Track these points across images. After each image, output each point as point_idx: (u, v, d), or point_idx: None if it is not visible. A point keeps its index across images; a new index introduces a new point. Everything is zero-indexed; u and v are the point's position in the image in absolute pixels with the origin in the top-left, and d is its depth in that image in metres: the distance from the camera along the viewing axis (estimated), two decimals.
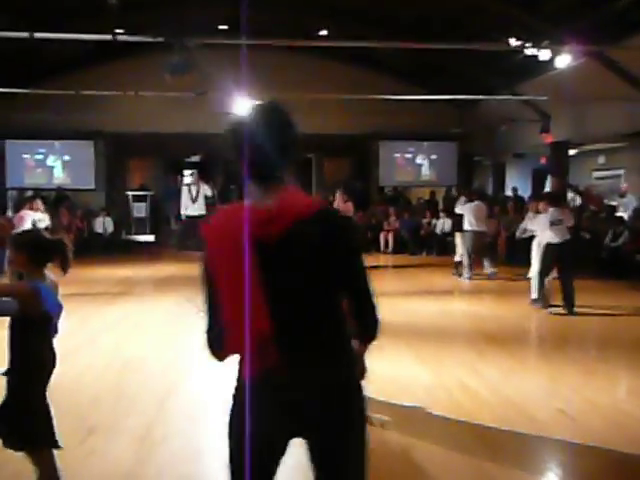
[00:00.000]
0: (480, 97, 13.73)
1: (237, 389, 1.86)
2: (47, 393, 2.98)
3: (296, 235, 1.71)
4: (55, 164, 16.46)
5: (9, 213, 13.76)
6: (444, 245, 13.96)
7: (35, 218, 9.85)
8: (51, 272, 3.00)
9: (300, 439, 1.84)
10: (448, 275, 11.05)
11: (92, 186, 16.46)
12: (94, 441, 3.77)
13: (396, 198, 17.50)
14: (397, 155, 17.60)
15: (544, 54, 8.69)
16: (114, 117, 15.14)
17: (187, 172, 17.49)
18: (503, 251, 12.75)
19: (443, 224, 14.55)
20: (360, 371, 2.02)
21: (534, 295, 8.06)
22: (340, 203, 4.65)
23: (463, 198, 10.58)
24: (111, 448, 3.68)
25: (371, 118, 15.73)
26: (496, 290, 9.68)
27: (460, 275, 10.68)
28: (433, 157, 17.64)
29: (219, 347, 1.84)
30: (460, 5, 11.66)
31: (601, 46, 9.97)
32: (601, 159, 16.14)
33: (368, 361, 2.04)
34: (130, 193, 17.06)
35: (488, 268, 10.39)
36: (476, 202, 10.40)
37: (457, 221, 10.85)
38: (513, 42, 8.63)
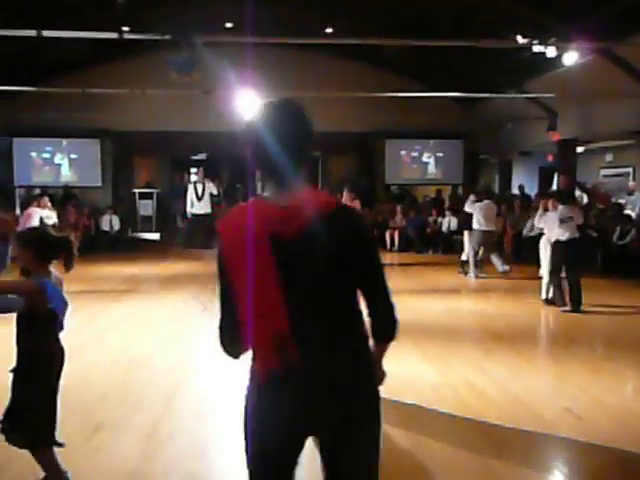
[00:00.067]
0: (487, 95, 13.68)
1: (251, 388, 1.83)
2: (57, 392, 2.99)
3: (313, 233, 1.71)
4: (62, 162, 16.51)
5: (17, 211, 13.82)
6: (450, 243, 13.92)
7: (43, 215, 9.91)
8: (55, 269, 3.02)
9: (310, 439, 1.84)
10: (454, 273, 11.02)
11: (99, 184, 16.50)
12: (101, 438, 3.79)
13: (402, 196, 17.47)
14: (403, 153, 17.56)
15: (551, 51, 8.64)
16: (120, 115, 15.18)
17: (193, 170, 17.56)
18: (509, 249, 12.71)
19: (449, 222, 14.52)
20: (379, 376, 1.99)
21: (545, 295, 8.04)
22: (347, 201, 4.65)
23: (472, 197, 10.55)
24: (118, 445, 3.69)
25: (377, 116, 15.71)
26: (503, 288, 9.65)
27: (466, 273, 10.67)
28: (439, 155, 17.59)
29: (232, 344, 1.83)
30: (467, 2, 11.61)
31: (608, 43, 9.92)
32: (609, 157, 16.06)
33: (385, 363, 2.02)
34: (136, 191, 17.10)
35: (500, 266, 10.35)
36: (485, 201, 10.38)
37: (466, 220, 10.83)
38: (520, 39, 8.58)
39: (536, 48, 8.63)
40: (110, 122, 15.49)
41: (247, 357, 1.90)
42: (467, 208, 10.54)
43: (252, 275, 1.70)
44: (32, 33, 8.18)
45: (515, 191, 16.75)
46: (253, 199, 1.87)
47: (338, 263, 1.75)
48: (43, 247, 2.95)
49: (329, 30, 13.53)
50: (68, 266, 3.00)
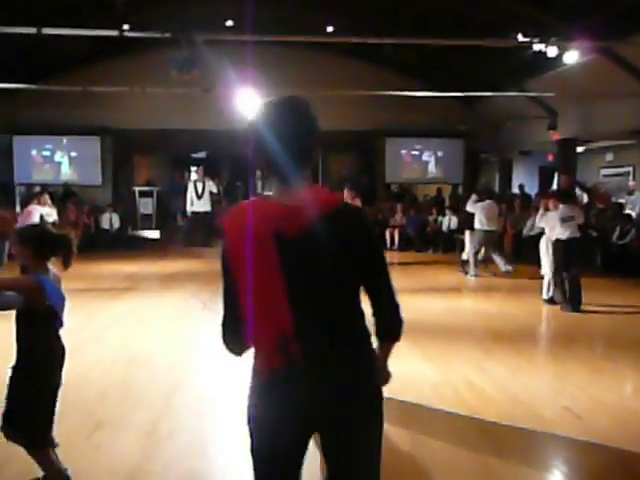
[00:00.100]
0: (487, 94, 13.68)
1: (253, 387, 1.83)
2: (57, 390, 2.99)
3: (317, 231, 1.70)
4: (62, 160, 16.51)
5: (17, 209, 13.82)
6: (450, 242, 13.92)
7: (43, 213, 9.91)
8: (54, 266, 3.02)
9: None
10: (454, 272, 11.03)
11: (99, 182, 16.50)
12: (101, 436, 3.79)
13: (402, 195, 17.48)
14: (404, 152, 17.56)
15: (552, 50, 8.64)
16: (120, 113, 15.17)
17: (193, 168, 17.55)
18: (510, 248, 12.71)
19: (449, 221, 14.53)
20: (384, 376, 1.99)
21: (546, 295, 8.05)
22: (348, 199, 4.66)
23: (474, 197, 10.54)
24: (117, 443, 3.69)
25: (378, 114, 15.70)
26: (503, 288, 9.65)
27: (466, 273, 10.67)
28: (440, 154, 17.59)
29: (235, 342, 1.83)
30: (468, 1, 11.60)
31: (609, 42, 9.91)
32: (609, 156, 16.07)
33: (390, 363, 2.02)
34: (136, 189, 17.10)
35: (503, 266, 10.34)
36: (487, 201, 10.37)
37: (467, 219, 10.83)
38: (521, 38, 8.57)
39: (537, 47, 8.62)
40: (110, 120, 15.49)
41: (247, 355, 1.90)
42: (469, 208, 10.53)
43: (255, 273, 1.70)
44: (32, 31, 8.18)
45: (515, 190, 16.75)
46: (257, 197, 1.86)
47: (342, 262, 1.74)
48: (42, 244, 2.95)
49: (330, 28, 13.52)
50: (67, 263, 3.01)
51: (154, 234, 16.58)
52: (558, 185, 13.99)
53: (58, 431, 3.09)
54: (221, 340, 1.86)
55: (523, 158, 18.10)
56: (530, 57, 10.57)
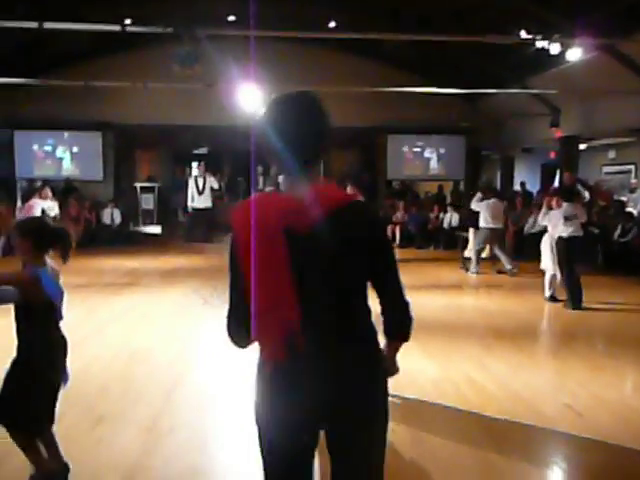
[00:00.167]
0: (490, 90, 13.64)
1: (259, 381, 1.83)
2: (58, 384, 2.99)
3: (327, 227, 1.69)
4: (64, 155, 16.49)
5: (18, 204, 13.83)
6: (451, 239, 13.91)
7: (44, 207, 9.92)
8: (52, 261, 3.02)
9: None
10: (455, 269, 11.02)
11: (100, 177, 16.48)
12: (101, 431, 3.80)
13: (404, 192, 17.46)
14: (405, 148, 17.53)
15: (555, 48, 8.61)
16: (122, 108, 15.15)
17: (194, 164, 17.55)
18: (511, 246, 12.69)
19: (451, 218, 14.51)
20: (391, 371, 1.98)
21: (548, 292, 8.03)
22: None
23: (479, 195, 10.52)
24: (118, 438, 3.69)
25: (379, 111, 15.67)
26: (504, 285, 9.64)
27: (467, 270, 10.66)
28: (441, 151, 17.56)
29: (240, 335, 1.82)
30: None
31: (612, 39, 9.88)
32: (611, 154, 16.04)
33: (399, 359, 2.02)
34: (138, 185, 17.10)
35: (507, 264, 10.31)
36: (493, 199, 10.34)
37: (471, 217, 10.81)
38: (524, 35, 8.55)
39: (540, 44, 8.59)
40: (112, 115, 15.46)
41: (248, 351, 1.90)
42: (473, 206, 10.50)
43: (264, 268, 1.70)
44: (34, 25, 8.16)
45: (517, 188, 16.73)
46: (269, 191, 1.87)
47: (351, 259, 1.74)
48: (41, 236, 2.96)
49: (332, 24, 13.49)
50: (65, 257, 3.01)
51: (155, 230, 16.59)
52: (560, 183, 13.98)
53: (59, 426, 3.10)
54: (226, 332, 1.86)
55: (525, 155, 18.07)
56: (533, 54, 10.55)
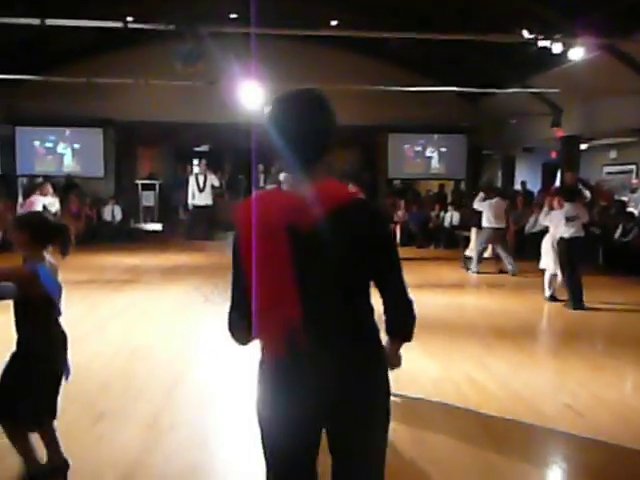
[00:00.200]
0: (491, 90, 13.62)
1: (261, 378, 1.83)
2: (60, 377, 3.00)
3: (331, 224, 1.69)
4: (65, 152, 16.50)
5: (19, 200, 13.82)
6: (452, 238, 13.91)
7: (46, 203, 9.92)
8: (52, 256, 3.03)
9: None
10: (456, 268, 11.02)
11: (101, 174, 16.48)
12: (102, 428, 3.80)
13: (405, 190, 17.46)
14: (406, 147, 17.53)
15: (557, 47, 8.60)
16: (124, 105, 15.14)
17: (195, 162, 17.53)
18: (512, 245, 12.68)
19: (451, 217, 14.51)
20: (394, 362, 1.98)
21: (548, 292, 8.04)
22: None
23: (481, 194, 10.51)
24: (119, 435, 3.70)
25: (381, 110, 15.65)
26: (505, 284, 9.64)
27: (468, 269, 10.66)
28: (442, 150, 17.56)
29: (242, 331, 1.82)
30: None
31: (614, 39, 9.86)
32: (612, 154, 16.01)
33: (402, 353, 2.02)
34: (139, 182, 17.09)
35: (509, 265, 10.30)
36: (495, 199, 10.33)
37: (475, 217, 10.81)
38: (525, 34, 8.53)
39: (541, 43, 8.57)
40: (113, 112, 15.46)
41: (249, 350, 1.90)
42: (476, 206, 10.49)
43: (266, 265, 1.70)
44: (36, 22, 8.15)
45: (518, 187, 16.72)
46: (272, 189, 1.87)
47: (354, 258, 1.74)
48: (40, 230, 2.96)
49: (334, 22, 13.47)
50: (64, 251, 3.01)
51: (156, 227, 16.59)
52: (561, 182, 13.96)
53: (59, 422, 3.10)
54: (227, 329, 1.86)
55: (526, 155, 18.05)
56: (534, 53, 10.51)
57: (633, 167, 14.96)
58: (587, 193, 9.43)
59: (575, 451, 3.72)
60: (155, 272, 10.50)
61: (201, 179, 15.11)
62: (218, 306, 6.94)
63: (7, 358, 2.97)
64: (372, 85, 13.38)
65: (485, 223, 10.28)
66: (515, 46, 10.84)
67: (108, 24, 8.66)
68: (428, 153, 17.59)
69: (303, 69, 14.06)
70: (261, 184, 16.04)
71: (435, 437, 3.76)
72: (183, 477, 3.22)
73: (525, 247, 11.68)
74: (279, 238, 1.69)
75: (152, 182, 17.09)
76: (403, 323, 1.89)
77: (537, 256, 8.38)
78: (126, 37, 13.24)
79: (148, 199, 17.00)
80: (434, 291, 8.80)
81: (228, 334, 1.87)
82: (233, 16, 13.21)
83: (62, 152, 16.47)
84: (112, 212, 15.35)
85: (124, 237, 14.79)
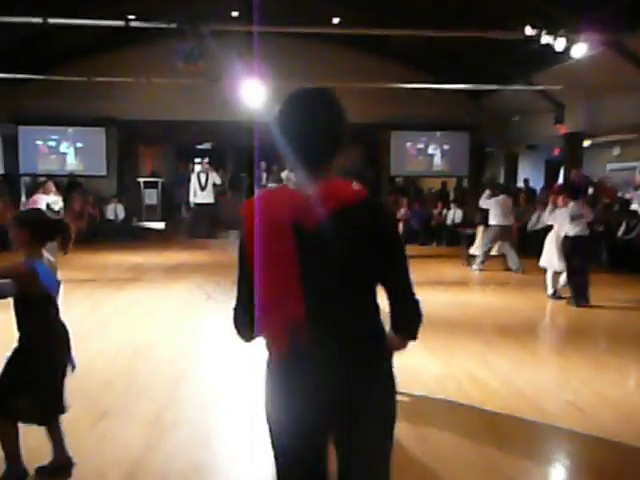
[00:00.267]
0: (494, 87, 13.60)
1: (268, 378, 1.83)
2: (64, 370, 3.01)
3: (336, 224, 1.69)
4: (68, 150, 16.52)
5: (23, 199, 13.85)
6: (454, 236, 13.90)
7: (49, 201, 9.92)
8: (52, 255, 3.03)
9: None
10: (458, 266, 11.02)
11: (104, 173, 16.49)
12: (105, 426, 3.81)
13: (407, 188, 17.44)
14: (409, 145, 17.50)
15: (560, 44, 8.57)
16: (126, 104, 15.15)
17: (197, 160, 17.54)
18: (514, 242, 12.66)
19: (454, 215, 14.49)
20: (395, 345, 1.93)
21: (550, 289, 8.03)
22: None
23: (487, 192, 10.48)
24: (122, 433, 3.70)
25: (383, 107, 15.63)
26: (507, 281, 9.63)
27: (470, 265, 10.65)
28: (445, 147, 17.52)
29: (246, 327, 1.82)
30: None
31: (618, 35, 9.83)
32: (616, 151, 15.97)
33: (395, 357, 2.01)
34: (141, 180, 17.11)
35: (514, 264, 10.27)
36: (502, 196, 10.31)
37: (481, 215, 10.79)
38: (529, 31, 8.50)
39: (545, 40, 8.55)
40: (115, 111, 15.47)
41: (251, 348, 1.90)
42: (482, 204, 10.46)
43: (271, 263, 1.70)
44: (38, 21, 8.17)
45: (520, 184, 16.69)
46: (278, 187, 1.86)
47: (360, 257, 1.73)
48: (39, 227, 2.96)
49: (336, 20, 13.46)
50: (65, 248, 3.02)
51: (159, 225, 16.61)
52: (564, 179, 13.94)
53: (63, 420, 3.11)
54: (232, 325, 1.86)
55: (529, 152, 18.01)
56: (537, 50, 10.48)
57: (637, 164, 14.90)
58: (590, 190, 9.43)
59: (578, 448, 3.72)
60: (158, 270, 10.51)
61: (203, 177, 15.12)
62: (221, 304, 6.95)
63: (8, 354, 2.98)
64: (374, 83, 13.37)
65: (492, 221, 10.25)
66: (518, 43, 10.81)
67: (110, 23, 8.67)
68: (430, 150, 17.56)
69: (305, 67, 14.05)
70: (263, 182, 16.05)
71: (438, 434, 3.76)
72: (186, 475, 3.23)
73: (528, 244, 11.67)
74: (285, 236, 1.69)
75: (154, 180, 17.11)
76: (408, 323, 1.88)
77: (539, 254, 8.37)
78: (128, 36, 13.25)
79: (150, 197, 17.02)
80: (436, 289, 8.79)
81: (233, 330, 1.88)
82: (234, 14, 13.21)
83: (65, 151, 16.48)
84: (115, 210, 15.37)
85: (127, 235, 14.80)
